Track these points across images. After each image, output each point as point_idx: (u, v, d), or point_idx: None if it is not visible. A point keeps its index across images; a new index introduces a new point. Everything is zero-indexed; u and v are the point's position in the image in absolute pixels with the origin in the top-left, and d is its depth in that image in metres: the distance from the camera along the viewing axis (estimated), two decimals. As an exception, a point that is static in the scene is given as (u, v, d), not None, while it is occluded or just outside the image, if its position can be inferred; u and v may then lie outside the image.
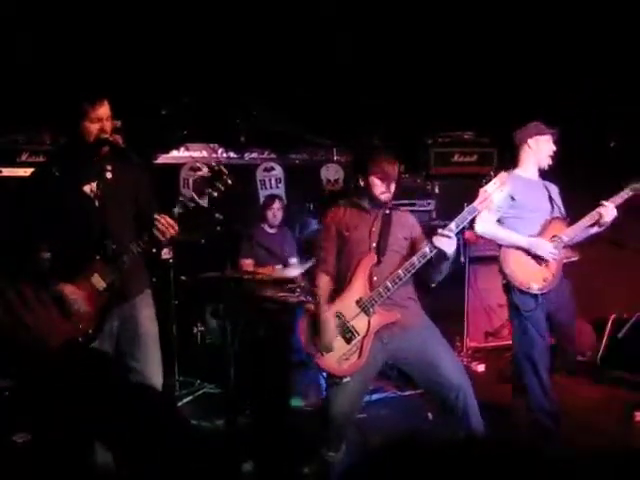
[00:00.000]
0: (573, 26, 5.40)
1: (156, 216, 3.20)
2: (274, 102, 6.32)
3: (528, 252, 4.09)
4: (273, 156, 7.17)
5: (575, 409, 4.81)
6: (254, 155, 7.07)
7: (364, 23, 5.44)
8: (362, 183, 3.52)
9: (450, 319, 6.22)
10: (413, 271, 3.33)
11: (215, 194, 3.28)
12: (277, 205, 5.95)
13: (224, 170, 3.29)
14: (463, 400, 3.32)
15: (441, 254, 3.27)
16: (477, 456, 1.25)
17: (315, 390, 4.95)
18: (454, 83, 6.32)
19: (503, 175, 3.36)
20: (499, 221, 4.15)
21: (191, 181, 3.39)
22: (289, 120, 6.54)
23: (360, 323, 3.38)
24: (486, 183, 3.37)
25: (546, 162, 4.23)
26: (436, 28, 5.77)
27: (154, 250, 5.18)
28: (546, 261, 4.05)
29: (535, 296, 4.03)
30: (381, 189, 3.47)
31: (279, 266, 5.80)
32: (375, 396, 5.01)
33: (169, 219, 3.21)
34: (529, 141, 4.22)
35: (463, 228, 3.36)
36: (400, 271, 3.33)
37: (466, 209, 3.32)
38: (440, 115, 6.73)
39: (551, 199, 4.22)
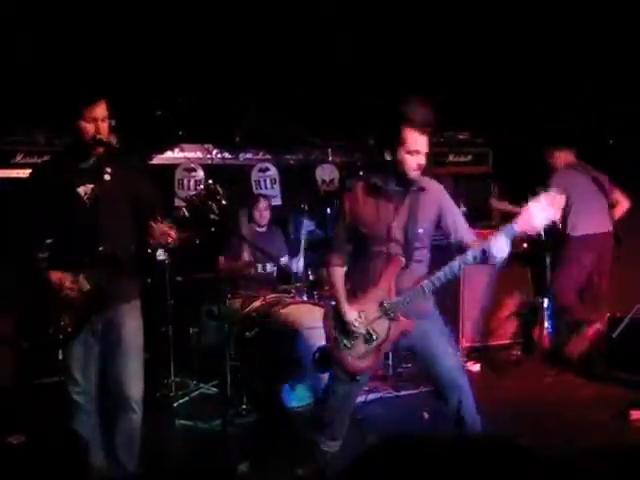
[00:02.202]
0: (571, 26, 5.41)
1: (151, 224, 3.18)
2: (269, 102, 6.32)
3: None
4: (268, 157, 7.16)
5: (570, 407, 4.83)
6: (249, 156, 7.06)
7: (364, 23, 5.44)
8: (388, 157, 3.24)
9: (445, 318, 6.22)
10: (438, 285, 3.19)
11: (212, 216, 3.27)
12: (263, 204, 5.90)
13: (219, 190, 3.22)
14: (458, 400, 3.28)
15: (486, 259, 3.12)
16: (468, 454, 1.25)
17: (306, 391, 4.95)
18: (449, 83, 6.33)
19: (553, 197, 2.97)
20: None
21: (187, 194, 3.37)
22: (284, 120, 6.54)
23: (380, 326, 3.29)
24: (532, 199, 3.00)
25: None
26: (432, 29, 5.77)
27: (149, 250, 5.21)
28: None
29: None
30: (412, 165, 3.21)
31: (270, 264, 5.79)
32: (371, 396, 5.01)
33: (164, 226, 3.18)
34: None
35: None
36: (425, 285, 3.20)
37: (505, 227, 3.05)
38: (435, 115, 6.72)
39: None
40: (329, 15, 5.20)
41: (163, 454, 4.19)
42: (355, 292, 3.39)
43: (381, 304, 3.28)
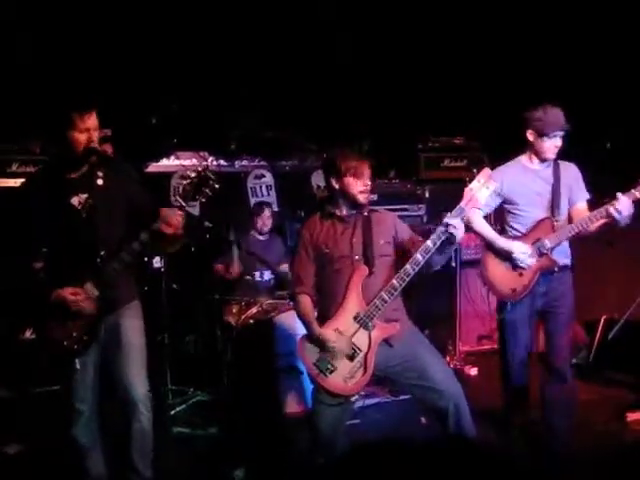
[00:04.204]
0: (564, 31, 5.44)
1: (161, 208, 3.20)
2: (264, 108, 6.33)
3: (503, 254, 3.85)
4: (263, 163, 7.17)
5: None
6: (244, 163, 7.07)
7: (359, 27, 5.47)
8: (337, 186, 3.41)
9: (442, 323, 6.24)
10: (408, 279, 3.23)
11: (203, 199, 3.28)
12: (267, 213, 5.96)
13: (211, 175, 3.25)
14: (455, 408, 3.28)
15: (445, 244, 3.19)
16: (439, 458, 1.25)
17: (302, 397, 4.94)
18: (444, 88, 6.35)
19: (487, 171, 3.24)
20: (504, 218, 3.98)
21: (180, 188, 3.35)
22: (279, 126, 6.56)
23: (361, 339, 3.30)
24: (470, 181, 3.28)
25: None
26: (426, 34, 5.80)
27: (145, 258, 5.23)
28: (522, 268, 3.81)
29: (506, 302, 3.88)
30: (359, 188, 3.36)
31: (267, 272, 5.80)
32: (368, 401, 5.01)
33: (171, 210, 3.19)
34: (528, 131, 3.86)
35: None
36: (395, 281, 3.25)
37: (454, 210, 3.21)
38: (430, 120, 6.76)
39: (554, 191, 3.87)
40: (328, 19, 5.23)
41: (160, 462, 4.18)
42: (326, 313, 3.40)
43: (356, 316, 3.30)
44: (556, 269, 3.83)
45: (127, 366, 3.34)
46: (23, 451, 4.42)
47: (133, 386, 3.33)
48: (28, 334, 5.17)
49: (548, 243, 3.77)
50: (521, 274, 3.80)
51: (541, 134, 3.77)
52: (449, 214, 3.20)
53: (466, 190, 3.24)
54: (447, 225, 3.13)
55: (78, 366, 3.27)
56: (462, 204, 3.22)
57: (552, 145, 3.78)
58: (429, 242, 3.20)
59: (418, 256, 3.20)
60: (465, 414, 3.32)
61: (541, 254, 3.79)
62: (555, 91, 5.95)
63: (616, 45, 5.45)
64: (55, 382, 3.71)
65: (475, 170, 3.39)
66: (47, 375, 4.65)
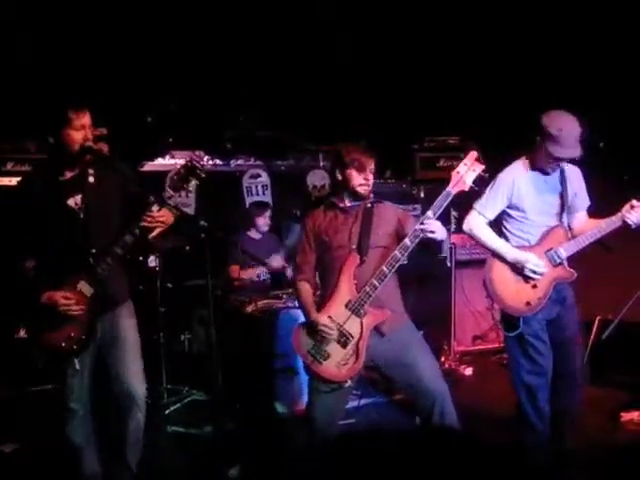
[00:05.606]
0: (559, 32, 5.46)
1: (150, 200, 3.24)
2: (260, 107, 6.34)
3: (515, 265, 3.62)
4: (259, 163, 7.16)
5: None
6: (240, 162, 7.06)
7: (359, 27, 5.47)
8: (340, 177, 3.51)
9: (437, 323, 6.25)
10: (397, 265, 3.31)
11: (190, 189, 3.30)
12: (268, 213, 6.01)
13: (197, 164, 3.28)
14: (440, 406, 3.33)
15: (430, 240, 3.25)
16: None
17: (297, 396, 4.94)
18: (439, 88, 6.36)
19: (473, 154, 3.29)
20: (502, 223, 3.75)
21: (168, 180, 3.38)
22: (275, 126, 6.56)
23: (353, 326, 3.37)
24: (457, 165, 3.31)
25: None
26: (425, 35, 5.81)
27: (140, 257, 5.22)
28: (535, 279, 3.60)
29: (518, 317, 3.60)
30: (359, 181, 3.46)
31: (264, 270, 5.80)
32: (363, 401, 5.02)
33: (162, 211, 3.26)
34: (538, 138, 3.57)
35: (441, 214, 3.28)
36: (384, 267, 3.31)
37: (441, 194, 3.27)
38: (425, 120, 6.77)
39: (563, 198, 3.66)
40: (328, 19, 5.23)
41: (155, 460, 4.18)
42: (323, 300, 3.51)
43: (347, 304, 3.38)
44: (571, 279, 3.66)
45: (125, 364, 3.35)
46: (19, 450, 4.41)
47: (132, 384, 3.34)
48: (23, 333, 5.15)
49: (563, 252, 3.61)
50: (535, 286, 3.60)
51: (550, 156, 3.53)
52: (439, 197, 3.26)
53: (453, 173, 3.29)
54: (421, 230, 3.21)
55: (78, 366, 3.28)
56: (449, 187, 3.28)
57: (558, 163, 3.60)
58: (418, 227, 3.25)
59: (407, 242, 3.27)
60: (450, 413, 3.36)
61: (556, 264, 3.61)
62: (551, 90, 6.00)
63: (612, 45, 5.47)
64: (51, 381, 3.69)
65: (462, 155, 3.39)
66: (43, 374, 4.64)
